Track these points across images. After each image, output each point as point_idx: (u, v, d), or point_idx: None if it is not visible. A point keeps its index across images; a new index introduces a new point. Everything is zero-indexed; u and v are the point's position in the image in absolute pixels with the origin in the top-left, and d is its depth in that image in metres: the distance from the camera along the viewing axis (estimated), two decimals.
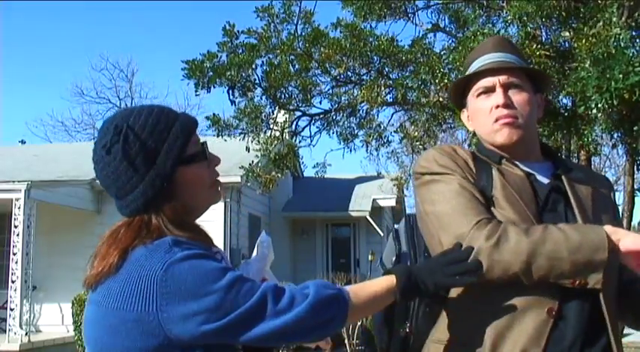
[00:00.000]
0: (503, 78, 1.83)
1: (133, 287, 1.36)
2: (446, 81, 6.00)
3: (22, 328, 10.00)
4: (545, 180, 1.82)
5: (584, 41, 4.93)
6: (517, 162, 1.82)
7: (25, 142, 26.16)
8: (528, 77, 1.87)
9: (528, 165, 1.84)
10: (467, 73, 1.93)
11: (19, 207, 10.15)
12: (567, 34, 5.43)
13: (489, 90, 1.84)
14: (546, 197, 1.76)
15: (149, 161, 1.44)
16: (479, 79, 1.86)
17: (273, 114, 8.09)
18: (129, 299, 1.35)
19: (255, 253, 1.70)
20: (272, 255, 1.70)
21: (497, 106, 1.81)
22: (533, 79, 1.89)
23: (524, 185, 1.76)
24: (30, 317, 10.47)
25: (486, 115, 1.84)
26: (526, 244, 1.57)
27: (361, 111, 8.10)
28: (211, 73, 7.25)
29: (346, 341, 10.74)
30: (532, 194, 1.75)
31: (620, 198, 9.15)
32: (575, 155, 6.73)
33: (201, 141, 1.55)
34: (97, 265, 1.44)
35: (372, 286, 1.54)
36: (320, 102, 8.32)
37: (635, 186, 7.41)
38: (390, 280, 1.54)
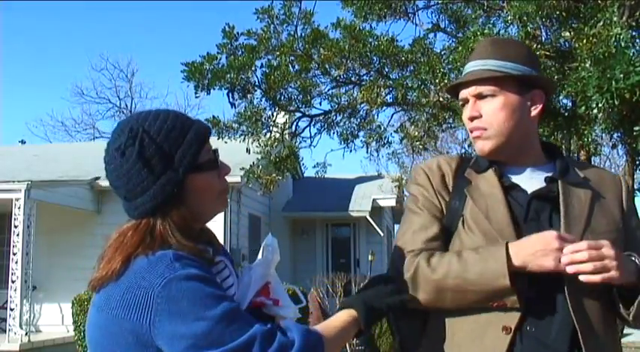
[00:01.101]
0: (471, 90, 1.84)
1: (131, 298, 1.38)
2: (446, 81, 5.99)
3: (22, 328, 9.99)
4: (533, 187, 1.80)
5: (584, 41, 4.92)
6: (505, 170, 1.83)
7: (25, 142, 26.16)
8: (514, 78, 1.82)
9: (520, 170, 1.84)
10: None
11: (19, 207, 10.14)
12: (568, 34, 5.42)
13: (466, 102, 1.87)
14: (527, 206, 1.76)
15: (162, 165, 1.45)
16: (459, 90, 1.90)
17: (273, 115, 8.08)
18: (127, 309, 1.37)
19: (259, 256, 1.67)
20: (277, 257, 1.67)
21: (468, 120, 1.86)
22: (521, 78, 1.83)
23: (497, 200, 1.76)
24: (30, 317, 10.47)
25: (467, 127, 1.89)
26: (432, 283, 1.69)
27: (361, 112, 8.09)
28: (211, 76, 7.25)
29: None
30: (505, 207, 1.74)
31: None
32: (576, 155, 6.73)
33: (213, 148, 1.56)
34: (102, 268, 1.46)
35: (337, 322, 1.56)
36: (320, 103, 8.34)
37: (635, 187, 7.40)
38: (350, 313, 1.58)
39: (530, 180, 1.82)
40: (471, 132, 1.86)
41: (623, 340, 7.59)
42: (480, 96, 1.83)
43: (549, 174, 1.82)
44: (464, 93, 1.86)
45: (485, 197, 1.78)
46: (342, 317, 1.56)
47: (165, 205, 1.46)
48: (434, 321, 1.81)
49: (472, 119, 1.83)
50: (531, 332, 1.66)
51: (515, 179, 1.83)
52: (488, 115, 1.81)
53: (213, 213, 1.56)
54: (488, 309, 1.67)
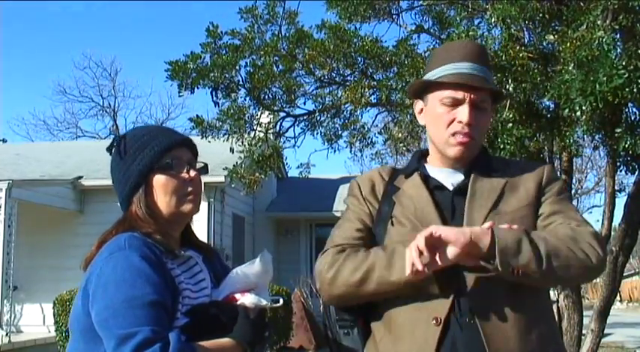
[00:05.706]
0: (474, 96, 1.80)
1: (88, 271, 1.63)
2: None
3: (2, 328, 9.91)
4: (454, 184, 1.86)
5: (568, 44, 4.96)
6: (429, 172, 1.90)
7: (6, 141, 25.95)
8: (490, 93, 1.86)
9: (442, 170, 1.90)
10: (436, 73, 1.86)
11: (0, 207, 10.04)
12: (552, 37, 5.46)
13: (457, 104, 1.80)
14: (452, 204, 1.82)
15: (129, 163, 1.75)
16: (449, 87, 1.81)
17: (257, 115, 8.06)
18: (84, 282, 1.62)
19: (256, 266, 1.76)
20: (269, 276, 1.78)
21: (460, 122, 1.79)
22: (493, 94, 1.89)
23: (425, 201, 1.83)
24: (10, 317, 10.37)
25: (444, 125, 1.82)
26: (357, 275, 1.76)
27: (345, 112, 8.10)
28: (195, 75, 7.22)
29: None
30: (433, 207, 1.81)
31: (601, 199, 9.17)
32: (558, 156, 6.77)
33: (201, 163, 1.82)
34: (90, 251, 1.71)
35: (217, 343, 1.62)
36: (304, 103, 8.31)
37: (616, 188, 7.48)
38: (229, 341, 1.63)
39: (451, 178, 1.87)
40: (456, 134, 1.81)
41: (603, 340, 7.65)
42: (477, 106, 1.81)
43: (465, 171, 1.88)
44: (460, 94, 1.80)
45: (413, 199, 1.84)
46: (224, 342, 1.62)
47: (131, 196, 1.74)
48: (374, 320, 1.85)
49: (469, 126, 1.79)
50: (470, 324, 1.67)
51: (439, 179, 1.89)
52: (480, 128, 1.83)
53: (175, 211, 1.74)
54: (419, 299, 1.71)
